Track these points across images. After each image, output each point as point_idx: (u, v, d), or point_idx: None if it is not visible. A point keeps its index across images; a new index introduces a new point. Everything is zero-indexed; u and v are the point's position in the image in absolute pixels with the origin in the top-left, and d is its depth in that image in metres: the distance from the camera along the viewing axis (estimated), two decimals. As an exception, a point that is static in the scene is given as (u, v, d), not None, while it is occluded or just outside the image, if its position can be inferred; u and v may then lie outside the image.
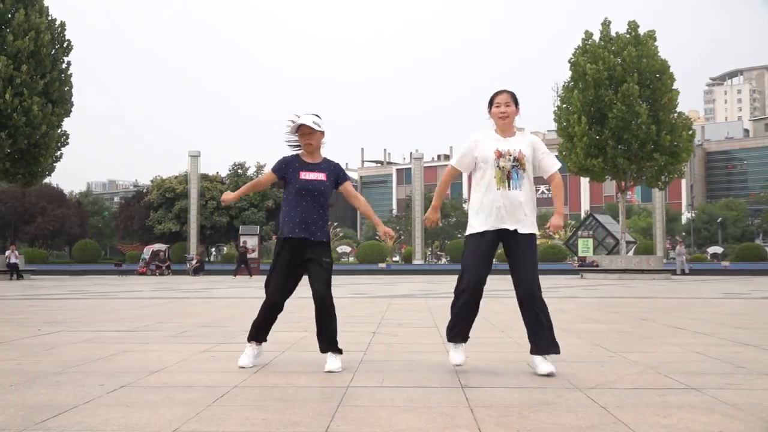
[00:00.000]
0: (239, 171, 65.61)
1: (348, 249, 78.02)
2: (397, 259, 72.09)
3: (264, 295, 5.19)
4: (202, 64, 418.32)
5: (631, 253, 41.03)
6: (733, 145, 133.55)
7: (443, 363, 5.39)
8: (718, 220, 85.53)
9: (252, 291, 19.11)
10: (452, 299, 5.07)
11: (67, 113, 33.84)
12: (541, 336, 4.90)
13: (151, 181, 65.79)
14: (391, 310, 11.44)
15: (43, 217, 67.57)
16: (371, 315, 10.19)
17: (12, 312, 11.19)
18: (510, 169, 4.92)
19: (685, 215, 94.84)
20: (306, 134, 5.11)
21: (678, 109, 34.24)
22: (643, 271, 32.47)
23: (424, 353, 6.05)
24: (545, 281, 26.91)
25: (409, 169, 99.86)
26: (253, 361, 5.24)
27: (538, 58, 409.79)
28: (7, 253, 33.13)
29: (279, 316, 5.28)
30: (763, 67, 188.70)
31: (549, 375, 4.75)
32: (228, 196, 5.38)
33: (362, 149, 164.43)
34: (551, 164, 5.09)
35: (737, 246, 60.52)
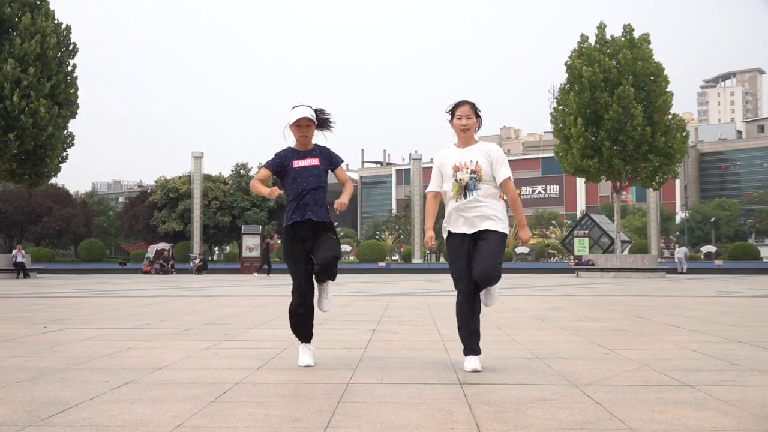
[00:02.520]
0: (241, 172, 65.61)
1: (348, 248, 78.08)
2: (396, 258, 72.12)
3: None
4: (206, 67, 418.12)
5: (626, 252, 41.01)
6: (726, 147, 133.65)
7: (442, 360, 5.40)
8: (712, 220, 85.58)
9: (253, 289, 19.10)
10: (457, 313, 5.05)
11: (73, 115, 33.80)
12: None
13: (156, 181, 65.76)
14: (391, 308, 11.43)
15: (49, 217, 67.57)
16: (371, 313, 10.18)
17: (19, 310, 11.18)
18: (468, 181, 4.98)
19: (679, 215, 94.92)
20: (303, 126, 5.12)
21: (672, 111, 34.23)
22: (638, 270, 32.45)
23: (424, 350, 6.04)
24: (542, 280, 26.95)
25: (409, 169, 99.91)
26: (312, 360, 5.17)
27: (536, 60, 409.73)
28: (14, 252, 33.09)
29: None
30: (755, 70, 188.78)
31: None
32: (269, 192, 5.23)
33: (362, 150, 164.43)
34: (500, 174, 5.04)
35: (730, 245, 60.53)
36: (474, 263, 4.90)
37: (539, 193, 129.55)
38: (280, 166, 5.17)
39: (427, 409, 3.69)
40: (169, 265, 42.90)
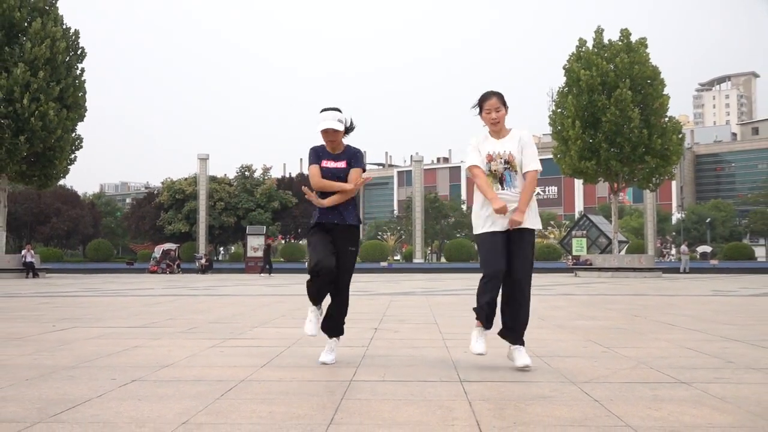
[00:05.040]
0: (246, 173, 65.65)
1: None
2: (398, 258, 72.09)
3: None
4: (211, 68, 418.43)
5: (623, 252, 40.95)
6: (722, 149, 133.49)
7: (443, 358, 5.39)
8: (707, 221, 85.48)
9: (258, 289, 19.11)
10: (479, 290, 4.92)
11: (81, 118, 33.84)
12: (518, 328, 4.89)
13: (162, 182, 65.83)
14: (393, 307, 11.43)
15: (57, 218, 67.70)
16: (373, 312, 10.18)
17: (28, 309, 11.19)
18: (502, 172, 4.89)
19: (675, 216, 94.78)
20: (330, 133, 5.11)
21: (668, 114, 34.24)
22: (634, 270, 32.43)
23: (425, 348, 6.04)
24: (540, 279, 26.93)
25: (410, 171, 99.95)
26: (317, 329, 5.13)
27: (535, 64, 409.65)
28: (24, 252, 33.14)
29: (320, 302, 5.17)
30: (750, 73, 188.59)
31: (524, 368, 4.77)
32: (321, 200, 5.15)
33: (364, 152, 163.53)
34: (527, 163, 4.92)
35: (726, 245, 60.43)
36: (514, 265, 4.82)
37: (538, 194, 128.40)
38: (319, 159, 5.20)
39: (428, 406, 3.68)
40: (176, 265, 42.97)
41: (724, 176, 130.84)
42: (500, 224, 4.87)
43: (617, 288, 19.57)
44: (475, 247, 60.34)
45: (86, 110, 34.09)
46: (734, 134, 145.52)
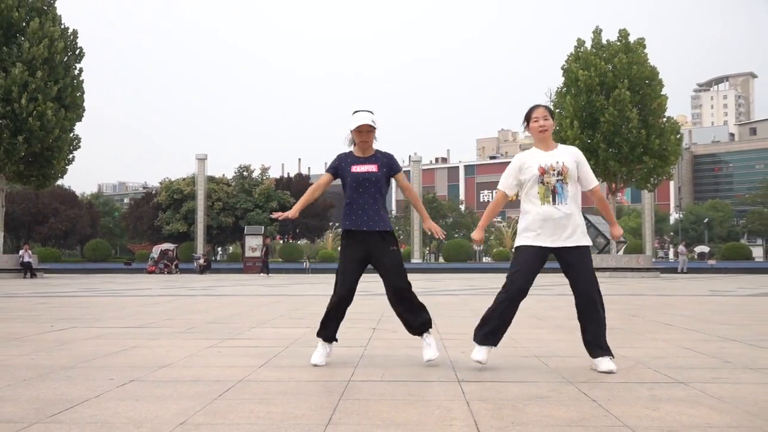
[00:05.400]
0: (244, 173, 65.66)
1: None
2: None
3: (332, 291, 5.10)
4: (209, 68, 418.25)
5: (621, 252, 40.98)
6: (719, 149, 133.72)
7: (441, 358, 5.39)
8: (705, 221, 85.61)
9: (256, 289, 19.10)
10: (491, 305, 4.93)
11: (79, 118, 33.81)
12: (601, 337, 4.81)
13: (160, 182, 65.84)
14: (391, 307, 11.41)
15: (55, 218, 67.67)
16: (372, 312, 10.17)
17: (26, 309, 11.18)
18: (555, 184, 4.85)
19: (673, 216, 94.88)
20: (364, 132, 5.05)
21: (666, 114, 34.30)
22: (632, 270, 32.46)
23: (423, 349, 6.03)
24: (538, 280, 26.85)
25: (408, 171, 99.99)
26: (325, 359, 5.04)
27: (533, 64, 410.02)
28: (21, 252, 33.10)
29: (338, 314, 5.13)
30: (748, 74, 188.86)
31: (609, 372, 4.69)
32: (288, 213, 5.21)
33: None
34: (591, 180, 5.02)
35: (723, 245, 60.57)
36: (580, 281, 4.77)
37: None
38: (338, 169, 5.13)
39: (426, 406, 3.68)
40: (174, 265, 42.93)
41: (722, 176, 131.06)
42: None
43: (615, 288, 19.58)
44: (474, 247, 60.48)
45: (84, 110, 34.07)
46: (732, 135, 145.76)
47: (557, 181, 4.85)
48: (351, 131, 5.09)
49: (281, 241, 70.66)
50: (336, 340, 5.17)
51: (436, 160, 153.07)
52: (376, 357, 5.50)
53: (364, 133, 5.05)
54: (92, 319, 9.14)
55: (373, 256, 5.06)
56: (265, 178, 66.27)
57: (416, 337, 5.21)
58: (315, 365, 4.98)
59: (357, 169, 5.06)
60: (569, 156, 4.96)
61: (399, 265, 5.06)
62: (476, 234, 5.39)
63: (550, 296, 14.99)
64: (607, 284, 22.83)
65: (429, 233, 5.45)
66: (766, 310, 11.04)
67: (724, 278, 29.63)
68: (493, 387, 4.24)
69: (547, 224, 4.82)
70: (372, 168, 5.07)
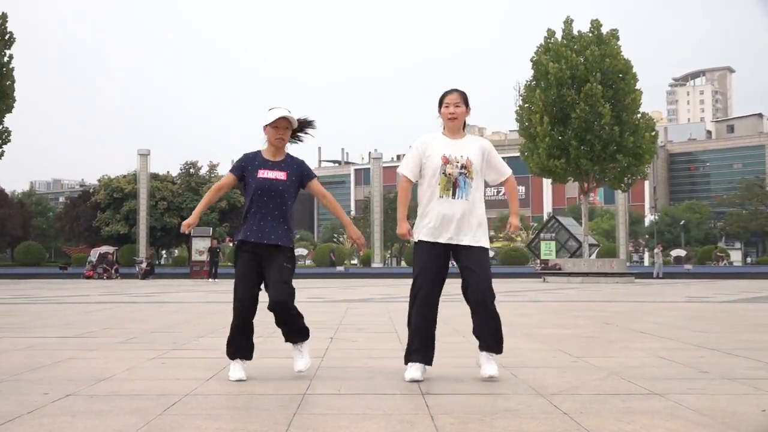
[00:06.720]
0: (191, 171, 65.02)
1: (305, 252, 77.77)
2: (355, 262, 72.07)
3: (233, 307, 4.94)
4: (150, 59, 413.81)
5: (594, 256, 41.51)
6: (696, 147, 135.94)
7: (403, 369, 5.39)
8: (681, 223, 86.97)
9: (203, 295, 18.95)
10: (407, 311, 4.99)
11: (9, 109, 33.27)
12: (491, 334, 4.84)
13: (99, 180, 64.86)
14: (350, 314, 11.43)
15: (-18, 218, 66.22)
16: (329, 320, 10.16)
17: (-51, 318, 10.95)
18: (457, 177, 4.83)
19: (648, 217, 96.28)
20: (282, 127, 4.93)
21: (641, 110, 34.77)
22: (606, 275, 32.86)
23: (384, 359, 6.05)
24: (507, 285, 27.11)
25: (368, 169, 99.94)
26: (245, 374, 4.88)
27: (501, 55, 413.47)
28: (-55, 255, 32.45)
29: (253, 325, 4.98)
30: (725, 68, 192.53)
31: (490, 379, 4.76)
32: (189, 220, 5.26)
33: (319, 148, 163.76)
34: (504, 171, 5.08)
35: (700, 249, 61.63)
36: (471, 281, 4.75)
37: (504, 194, 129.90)
38: (243, 170, 4.99)
39: (387, 420, 3.69)
40: (113, 270, 42.35)
41: (699, 176, 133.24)
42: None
43: (588, 294, 19.82)
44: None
45: (15, 100, 33.51)
46: (709, 132, 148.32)
47: (460, 174, 4.84)
48: (265, 127, 4.96)
49: (231, 244, 70.16)
50: (251, 359, 5.01)
51: (398, 157, 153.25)
52: (333, 368, 5.49)
53: (281, 129, 4.93)
54: (23, 329, 8.98)
55: (264, 268, 4.90)
56: (213, 175, 65.72)
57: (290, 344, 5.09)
58: (240, 380, 4.82)
59: (263, 174, 4.91)
60: (477, 149, 4.96)
61: (283, 282, 4.83)
62: (400, 228, 5.01)
63: (519, 303, 15.11)
64: (579, 290, 23.09)
65: (352, 243, 5.38)
66: (744, 318, 11.27)
67: (701, 283, 30.17)
68: (458, 399, 4.26)
69: (445, 219, 4.81)
70: (280, 175, 4.93)
